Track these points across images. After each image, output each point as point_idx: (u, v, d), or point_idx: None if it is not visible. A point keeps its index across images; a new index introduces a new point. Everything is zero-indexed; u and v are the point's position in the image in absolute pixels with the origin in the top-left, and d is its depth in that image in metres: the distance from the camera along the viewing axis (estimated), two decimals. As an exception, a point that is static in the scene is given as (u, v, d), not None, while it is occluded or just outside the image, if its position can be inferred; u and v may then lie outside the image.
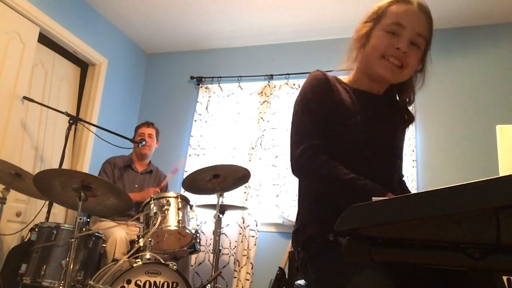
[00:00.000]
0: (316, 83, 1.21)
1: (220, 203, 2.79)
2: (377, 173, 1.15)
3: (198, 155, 3.93)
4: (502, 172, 2.85)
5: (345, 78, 1.31)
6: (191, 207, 2.85)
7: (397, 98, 1.32)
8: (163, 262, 2.28)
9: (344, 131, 1.17)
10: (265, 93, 3.88)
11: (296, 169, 1.15)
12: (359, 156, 1.16)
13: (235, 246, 3.57)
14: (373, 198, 0.66)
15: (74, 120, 3.11)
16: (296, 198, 1.28)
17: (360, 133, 1.17)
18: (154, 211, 2.59)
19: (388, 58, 1.16)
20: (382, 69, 1.18)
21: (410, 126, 1.39)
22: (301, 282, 1.20)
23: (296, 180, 1.27)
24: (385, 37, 1.16)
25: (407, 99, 1.31)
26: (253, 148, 3.74)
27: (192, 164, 3.86)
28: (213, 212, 2.90)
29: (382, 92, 1.29)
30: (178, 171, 3.61)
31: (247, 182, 2.98)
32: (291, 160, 1.17)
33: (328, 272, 1.02)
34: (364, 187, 1.05)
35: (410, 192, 1.13)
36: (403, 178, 1.37)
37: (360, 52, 1.24)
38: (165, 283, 2.23)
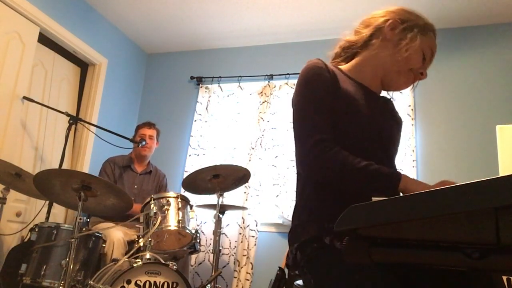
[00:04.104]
0: (319, 71, 1.13)
1: (220, 203, 2.79)
2: None
3: (198, 155, 3.93)
4: (502, 172, 2.85)
5: (341, 66, 1.28)
6: (191, 207, 2.84)
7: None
8: (163, 262, 2.27)
9: (352, 123, 1.12)
10: (265, 93, 3.88)
11: (308, 161, 1.07)
12: (364, 151, 1.12)
13: (235, 246, 3.57)
14: (372, 198, 0.66)
15: (74, 120, 3.11)
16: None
17: (367, 127, 1.14)
18: (154, 211, 2.59)
19: (415, 73, 1.22)
20: (405, 79, 1.23)
21: (404, 127, 1.42)
22: (301, 282, 1.19)
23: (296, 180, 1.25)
24: (421, 57, 1.21)
25: (391, 98, 1.35)
26: (253, 148, 3.74)
27: (192, 164, 3.87)
28: (213, 212, 2.90)
29: (379, 93, 1.29)
30: None
31: (247, 182, 2.98)
32: (300, 154, 1.09)
33: (326, 277, 1.01)
34: (378, 171, 1.04)
35: None
36: None
37: (386, 47, 1.21)
38: (165, 283, 2.23)
